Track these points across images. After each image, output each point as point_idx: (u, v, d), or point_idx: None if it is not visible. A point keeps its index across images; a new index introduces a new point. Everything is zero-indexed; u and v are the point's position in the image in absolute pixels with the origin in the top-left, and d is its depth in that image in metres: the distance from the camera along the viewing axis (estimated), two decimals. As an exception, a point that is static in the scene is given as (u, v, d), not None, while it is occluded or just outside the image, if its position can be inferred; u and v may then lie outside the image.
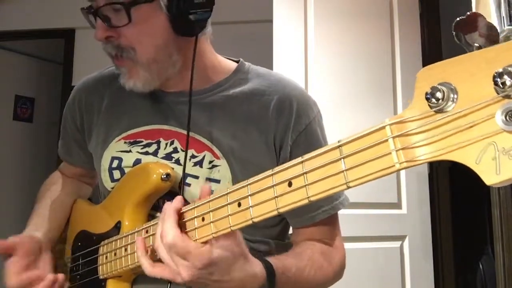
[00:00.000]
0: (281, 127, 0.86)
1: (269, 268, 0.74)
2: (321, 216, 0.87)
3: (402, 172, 2.31)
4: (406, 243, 2.29)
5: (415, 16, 2.48)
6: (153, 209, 0.87)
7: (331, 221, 0.90)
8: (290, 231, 0.96)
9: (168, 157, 0.87)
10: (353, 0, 2.36)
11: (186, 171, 0.85)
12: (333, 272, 0.88)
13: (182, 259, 0.65)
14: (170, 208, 0.68)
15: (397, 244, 2.28)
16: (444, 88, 0.41)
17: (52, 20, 3.33)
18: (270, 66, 2.14)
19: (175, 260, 0.66)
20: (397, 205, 2.31)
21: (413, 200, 2.33)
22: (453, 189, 2.59)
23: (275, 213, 0.56)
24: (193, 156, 0.86)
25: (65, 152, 1.07)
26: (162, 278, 0.69)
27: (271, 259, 0.76)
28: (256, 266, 0.72)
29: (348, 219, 2.03)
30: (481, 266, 2.70)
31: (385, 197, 2.28)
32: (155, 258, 0.71)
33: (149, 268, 0.71)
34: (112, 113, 0.94)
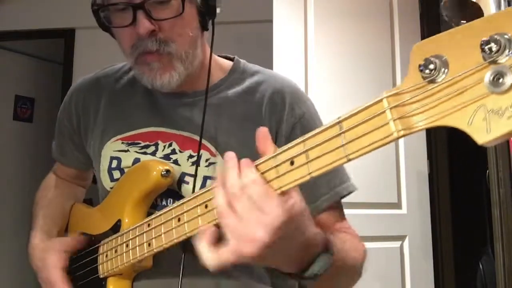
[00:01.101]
0: (275, 121, 0.87)
1: (323, 233, 0.63)
2: (326, 203, 0.85)
3: (402, 172, 2.32)
4: (406, 243, 2.29)
5: (415, 16, 2.48)
6: (152, 207, 0.87)
7: (336, 207, 0.88)
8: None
9: (166, 158, 0.87)
10: (353, 0, 2.36)
11: (183, 171, 0.86)
12: (362, 260, 0.84)
13: (260, 212, 0.52)
14: (245, 159, 0.58)
15: (397, 244, 2.28)
16: (436, 60, 0.44)
17: (52, 20, 3.33)
18: (270, 66, 2.14)
19: (254, 211, 0.53)
20: (397, 205, 2.31)
21: (413, 200, 2.33)
22: (453, 189, 2.59)
23: (277, 192, 0.56)
24: (190, 156, 0.86)
25: (60, 153, 1.06)
26: (227, 261, 0.55)
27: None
28: (314, 226, 0.61)
29: (348, 219, 2.03)
30: (481, 266, 2.69)
31: (385, 197, 2.29)
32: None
33: (223, 204, 0.56)
34: (109, 114, 0.94)
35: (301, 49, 2.25)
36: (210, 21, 0.87)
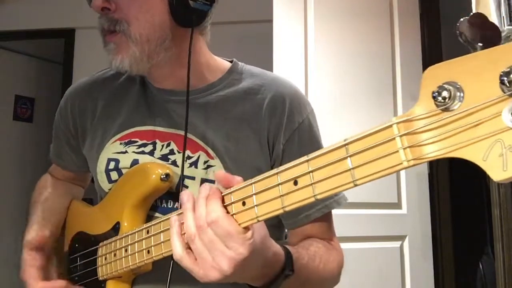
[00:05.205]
0: (274, 125, 0.86)
1: (286, 249, 0.69)
2: (316, 214, 0.86)
3: (402, 172, 2.31)
4: (406, 243, 2.29)
5: (415, 16, 2.48)
6: (151, 209, 0.86)
7: (326, 220, 0.89)
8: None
9: (164, 158, 0.87)
10: (353, 0, 2.36)
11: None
12: (336, 271, 0.86)
13: (223, 247, 0.57)
14: (214, 188, 0.61)
15: (397, 244, 2.28)
16: (450, 87, 0.42)
17: (52, 20, 3.33)
18: (270, 66, 2.14)
19: (217, 247, 0.57)
20: (397, 205, 2.31)
21: (413, 200, 2.33)
22: (453, 189, 2.59)
23: (281, 211, 0.56)
24: (188, 157, 0.85)
25: (57, 156, 1.06)
26: (190, 271, 0.61)
27: (284, 245, 0.72)
28: (275, 245, 0.66)
29: (348, 219, 2.03)
30: (481, 266, 2.70)
31: (385, 197, 2.28)
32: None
33: (179, 252, 0.61)
34: (106, 116, 0.94)
35: (301, 49, 2.25)
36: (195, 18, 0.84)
